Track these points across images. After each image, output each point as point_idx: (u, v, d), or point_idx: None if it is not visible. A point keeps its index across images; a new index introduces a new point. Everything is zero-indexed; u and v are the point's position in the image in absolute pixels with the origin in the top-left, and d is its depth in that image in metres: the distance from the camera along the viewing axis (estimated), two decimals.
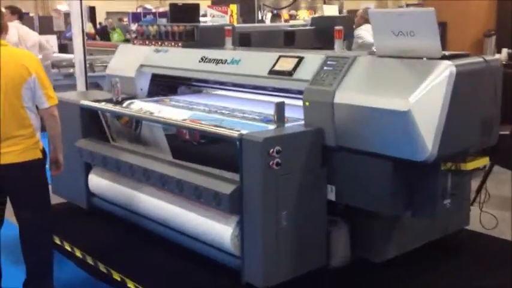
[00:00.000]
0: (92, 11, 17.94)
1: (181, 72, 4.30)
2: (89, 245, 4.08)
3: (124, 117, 4.05)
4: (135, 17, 20.57)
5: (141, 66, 4.59)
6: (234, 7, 12.73)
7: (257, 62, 3.78)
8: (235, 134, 3.14)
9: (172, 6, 6.29)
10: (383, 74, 3.08)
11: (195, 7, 6.38)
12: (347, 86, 3.15)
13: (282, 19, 19.12)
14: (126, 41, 14.40)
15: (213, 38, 4.56)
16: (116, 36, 16.11)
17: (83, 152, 4.30)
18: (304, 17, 20.36)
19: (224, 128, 3.32)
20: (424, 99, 2.83)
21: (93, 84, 7.56)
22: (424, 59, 2.98)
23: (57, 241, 4.21)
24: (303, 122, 3.42)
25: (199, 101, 4.31)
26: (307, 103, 3.29)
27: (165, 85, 4.77)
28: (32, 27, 14.87)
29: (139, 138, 3.98)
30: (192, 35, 4.54)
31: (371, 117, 3.00)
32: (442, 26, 7.79)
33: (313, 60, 3.46)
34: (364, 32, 6.66)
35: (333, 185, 3.30)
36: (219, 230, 3.32)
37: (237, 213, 3.19)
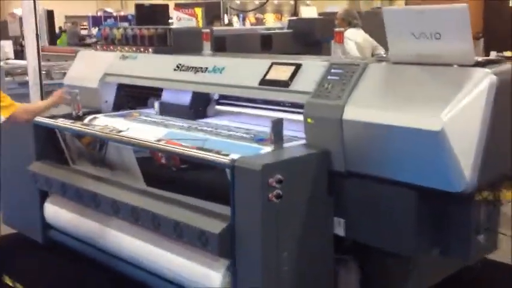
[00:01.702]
0: (50, 14, 17.08)
1: (153, 83, 3.69)
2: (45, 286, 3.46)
3: (86, 137, 3.41)
4: (96, 21, 19.78)
5: (105, 75, 3.97)
6: (199, 10, 12.10)
7: (245, 70, 3.21)
8: (225, 160, 2.56)
9: (139, 7, 5.66)
10: (404, 85, 2.55)
11: (164, 8, 5.79)
12: (359, 99, 2.61)
13: (248, 22, 18.63)
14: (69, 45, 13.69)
15: (188, 42, 3.98)
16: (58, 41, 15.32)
17: (37, 177, 3.66)
18: (270, 20, 19.93)
19: (209, 151, 2.73)
20: (459, 116, 2.31)
21: (50, 92, 6.91)
22: (455, 66, 2.46)
23: (8, 281, 3.57)
24: (301, 141, 2.87)
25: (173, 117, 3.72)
26: (309, 120, 2.74)
27: (133, 96, 4.16)
28: None
29: (104, 160, 3.36)
30: (165, 39, 3.95)
31: (391, 137, 2.47)
32: None
33: (313, 67, 2.91)
34: (350, 42, 6.12)
35: (342, 218, 2.75)
36: (205, 276, 2.73)
37: (228, 256, 2.61)
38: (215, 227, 2.57)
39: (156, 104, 3.83)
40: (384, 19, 2.63)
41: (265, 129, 3.18)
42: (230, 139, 3.05)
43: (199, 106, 3.67)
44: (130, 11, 19.24)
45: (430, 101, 2.39)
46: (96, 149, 3.38)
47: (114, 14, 20.20)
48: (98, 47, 4.35)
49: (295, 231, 2.60)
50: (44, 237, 3.84)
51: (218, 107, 3.72)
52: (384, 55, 2.87)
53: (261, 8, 19.07)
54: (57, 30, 17.37)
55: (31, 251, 3.94)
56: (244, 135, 3.11)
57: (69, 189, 3.40)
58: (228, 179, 2.61)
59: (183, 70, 3.48)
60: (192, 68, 3.44)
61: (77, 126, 3.41)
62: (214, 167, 2.67)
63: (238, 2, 18.40)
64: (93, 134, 3.29)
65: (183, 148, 2.79)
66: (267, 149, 2.76)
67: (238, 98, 3.48)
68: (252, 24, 17.96)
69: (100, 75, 3.97)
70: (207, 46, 3.88)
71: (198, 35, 3.96)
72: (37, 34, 4.96)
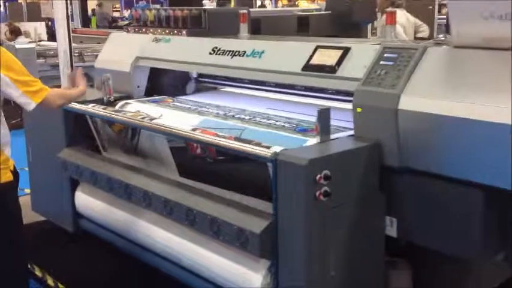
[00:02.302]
0: None
1: (188, 67, 3.48)
2: (75, 278, 3.34)
3: (117, 124, 3.23)
4: (128, 3, 19.70)
5: (138, 58, 3.77)
6: None
7: (286, 55, 2.96)
8: (267, 152, 2.34)
9: None
10: (468, 72, 2.28)
11: None
12: (417, 87, 2.35)
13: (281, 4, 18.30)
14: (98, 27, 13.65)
15: (224, 24, 3.76)
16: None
17: (67, 165, 3.50)
18: (303, 2, 19.57)
19: (249, 142, 2.51)
20: None
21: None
22: None
23: (38, 272, 3.45)
24: (348, 132, 2.63)
25: (210, 102, 3.51)
26: (358, 109, 2.49)
27: (167, 81, 3.97)
28: (20, 14, 14.00)
29: (137, 149, 3.17)
30: (199, 20, 3.73)
31: (454, 131, 2.21)
32: None
33: (363, 52, 2.65)
34: (397, 27, 5.81)
35: (394, 217, 2.51)
36: (244, 277, 2.53)
37: (270, 257, 2.40)
38: (256, 225, 2.36)
39: None
40: None
41: (309, 118, 2.96)
42: (270, 128, 2.83)
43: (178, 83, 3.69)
44: None
45: (500, 90, 2.12)
46: (128, 137, 3.20)
47: None
48: (129, 29, 4.15)
49: (343, 232, 2.37)
50: (75, 227, 3.70)
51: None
52: (443, 38, 2.59)
53: None
54: (89, 13, 17.33)
55: (61, 239, 3.82)
56: (286, 124, 2.88)
57: (100, 178, 3.23)
58: (270, 173, 2.39)
59: (219, 54, 3.25)
60: (229, 51, 3.21)
61: (108, 112, 3.23)
62: (254, 160, 2.45)
63: None
64: (125, 121, 3.10)
65: (220, 139, 2.57)
66: (312, 140, 2.52)
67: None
68: (284, 6, 17.65)
69: (132, 58, 3.77)
70: (244, 28, 3.65)
71: (234, 16, 3.74)
72: (68, 16, 4.77)
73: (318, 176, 2.20)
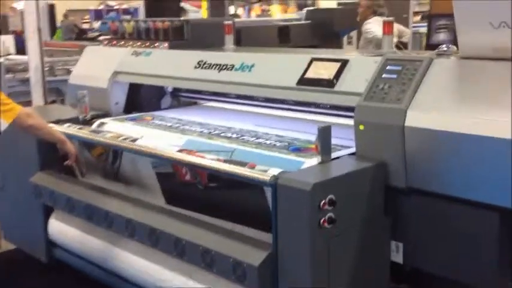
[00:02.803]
0: (51, 8, 16.63)
1: (171, 82, 3.27)
2: None
3: (97, 147, 2.99)
4: (97, 15, 19.35)
5: (116, 73, 3.54)
6: (204, 1, 11.73)
7: (279, 68, 2.78)
8: (265, 176, 2.13)
9: None
10: (479, 85, 2.12)
11: None
12: (424, 102, 2.18)
13: (254, 14, 18.22)
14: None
15: (207, 36, 3.57)
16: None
17: (40, 191, 3.24)
18: (276, 12, 19.52)
19: (242, 165, 2.30)
20: None
21: (53, 90, 6.51)
22: None
23: None
24: (346, 150, 2.46)
25: (192, 119, 3.29)
26: (361, 126, 2.31)
27: (145, 96, 3.74)
28: None
29: (118, 174, 2.94)
30: (181, 32, 3.53)
31: (465, 149, 2.04)
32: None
33: (363, 64, 2.48)
34: (374, 26, 5.77)
35: (400, 242, 2.33)
36: None
37: None
38: (254, 257, 2.15)
39: None
40: (454, 3, 2.19)
41: (300, 135, 2.77)
42: (261, 148, 2.62)
43: (153, 98, 3.55)
44: (133, 4, 18.80)
45: None
46: (109, 161, 2.96)
47: (116, 7, 19.75)
48: (106, 42, 3.92)
49: (347, 261, 2.18)
50: (48, 256, 3.43)
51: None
52: (445, 48, 2.43)
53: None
54: (58, 25, 16.92)
55: (33, 269, 3.55)
56: (277, 143, 2.68)
57: (77, 205, 2.98)
58: (268, 200, 2.19)
59: (206, 68, 3.05)
60: (216, 65, 3.01)
61: (85, 133, 2.98)
62: (249, 186, 2.24)
63: None
64: (104, 143, 2.87)
65: (213, 162, 2.36)
66: (310, 161, 2.33)
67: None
68: (257, 16, 17.56)
69: (110, 73, 3.54)
70: (229, 40, 3.46)
71: (218, 27, 3.55)
72: (39, 29, 4.52)
73: (323, 201, 2.01)
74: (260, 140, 2.75)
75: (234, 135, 2.87)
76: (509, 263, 2.12)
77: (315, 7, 7.40)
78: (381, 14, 5.95)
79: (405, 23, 9.10)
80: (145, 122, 3.32)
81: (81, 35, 14.87)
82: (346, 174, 2.13)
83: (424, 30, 8.55)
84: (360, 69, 2.46)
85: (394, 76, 2.30)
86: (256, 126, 3.05)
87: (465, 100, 2.11)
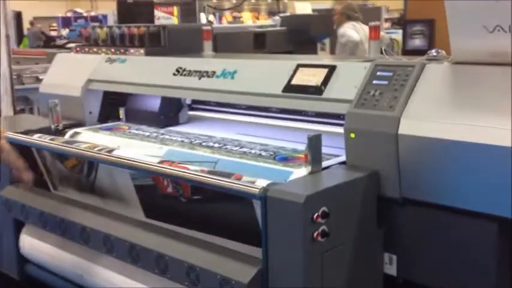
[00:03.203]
0: (18, 16, 16.24)
1: (148, 90, 3.12)
2: None
3: (70, 159, 2.84)
4: (65, 22, 19.01)
5: (89, 81, 3.39)
6: (175, 9, 11.58)
7: (262, 74, 2.67)
8: (253, 188, 2.02)
9: (121, 3, 5.06)
10: (477, 90, 2.05)
11: (149, 3, 5.22)
12: (418, 109, 2.10)
13: (225, 21, 18.18)
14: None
15: (185, 42, 3.46)
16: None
17: (11, 205, 3.06)
18: (247, 19, 19.52)
19: (227, 176, 2.19)
20: None
21: (21, 98, 6.30)
22: None
23: None
24: (335, 159, 2.37)
25: (171, 128, 3.17)
26: (352, 135, 2.22)
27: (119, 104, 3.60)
28: None
29: (93, 187, 2.78)
30: (158, 38, 3.40)
31: (461, 157, 1.97)
32: (430, 24, 7.01)
33: (351, 70, 2.39)
34: (348, 30, 5.79)
35: (393, 254, 2.24)
36: None
37: None
38: (243, 273, 2.03)
39: (122, 111, 3.39)
40: (446, 7, 2.12)
41: (283, 143, 2.68)
42: (246, 158, 2.51)
43: (170, 112, 3.26)
44: (101, 11, 18.53)
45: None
46: (84, 173, 2.81)
47: (85, 14, 19.45)
48: (78, 49, 3.76)
49: (340, 275, 2.08)
50: (20, 273, 3.25)
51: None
52: (435, 53, 2.36)
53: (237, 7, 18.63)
54: (25, 32, 16.54)
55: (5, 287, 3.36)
56: (263, 152, 2.58)
57: (51, 220, 2.82)
58: (256, 213, 2.08)
59: (185, 75, 2.93)
60: (196, 72, 2.89)
61: (58, 144, 2.83)
62: (235, 198, 2.13)
63: (214, 0, 17.95)
64: (79, 154, 2.71)
65: (197, 173, 2.24)
66: (298, 171, 2.23)
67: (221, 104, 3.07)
68: (229, 23, 17.50)
69: (83, 82, 3.39)
70: (208, 46, 3.35)
71: (195, 33, 3.45)
72: (7, 36, 4.33)
73: (316, 214, 1.91)
74: (244, 149, 2.64)
75: (217, 145, 2.76)
76: (508, 274, 2.05)
77: (290, 14, 7.34)
78: (355, 19, 5.97)
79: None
80: (122, 132, 3.18)
81: (49, 42, 14.56)
82: (338, 184, 2.04)
83: (395, 36, 8.63)
84: (348, 76, 2.37)
85: (385, 82, 2.22)
86: (238, 135, 2.94)
87: (461, 106, 2.04)
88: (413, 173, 2.09)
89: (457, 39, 2.13)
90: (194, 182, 2.23)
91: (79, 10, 21.47)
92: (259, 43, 5.13)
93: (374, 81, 2.26)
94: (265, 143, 2.74)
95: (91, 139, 3.04)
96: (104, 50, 3.54)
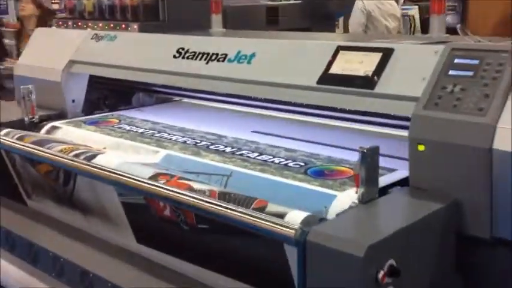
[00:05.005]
0: None
1: (142, 75, 2.49)
2: None
3: (44, 164, 2.23)
4: None
5: (71, 63, 2.78)
6: None
7: (290, 59, 2.03)
8: (287, 229, 1.40)
9: None
10: None
11: None
12: None
13: None
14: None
15: (188, 16, 2.85)
16: None
17: None
18: None
19: (246, 203, 1.58)
20: None
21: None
22: None
23: None
24: (390, 175, 1.75)
25: (170, 123, 2.55)
26: (421, 147, 1.59)
27: (110, 92, 3.00)
28: None
29: (72, 199, 2.18)
30: (155, 11, 2.81)
31: None
32: (463, 1, 6.39)
33: (415, 55, 1.76)
34: (369, 2, 5.40)
35: None
36: None
37: None
38: None
39: None
40: None
41: (312, 147, 2.07)
42: (269, 172, 1.88)
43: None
44: None
45: None
46: (60, 182, 2.20)
47: None
48: (61, 22, 3.14)
49: None
50: None
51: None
52: None
53: None
54: None
55: None
56: (289, 162, 1.95)
57: (20, 243, 2.23)
58: (286, 254, 1.47)
59: (189, 58, 2.29)
60: (203, 54, 2.25)
61: (24, 145, 2.21)
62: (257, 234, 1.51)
63: None
64: (51, 160, 2.10)
65: (201, 199, 1.62)
66: (343, 195, 1.62)
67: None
68: None
69: (64, 63, 2.78)
70: (217, 21, 2.74)
71: (200, 5, 2.85)
72: None
73: (381, 272, 1.30)
74: (265, 157, 2.02)
75: (229, 149, 2.14)
76: None
77: None
78: None
79: None
80: (110, 127, 2.57)
81: (50, 16, 13.83)
82: (410, 225, 1.41)
83: (412, 12, 7.99)
84: (412, 63, 1.73)
85: (469, 73, 1.59)
86: (255, 134, 2.32)
87: None
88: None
89: None
90: (200, 211, 1.62)
91: None
92: (271, 18, 4.64)
93: (451, 72, 1.62)
94: (290, 147, 2.12)
95: (71, 136, 2.45)
96: (90, 24, 2.93)
